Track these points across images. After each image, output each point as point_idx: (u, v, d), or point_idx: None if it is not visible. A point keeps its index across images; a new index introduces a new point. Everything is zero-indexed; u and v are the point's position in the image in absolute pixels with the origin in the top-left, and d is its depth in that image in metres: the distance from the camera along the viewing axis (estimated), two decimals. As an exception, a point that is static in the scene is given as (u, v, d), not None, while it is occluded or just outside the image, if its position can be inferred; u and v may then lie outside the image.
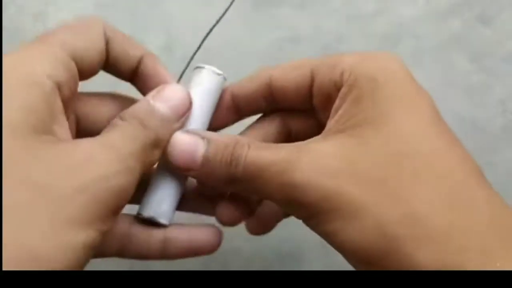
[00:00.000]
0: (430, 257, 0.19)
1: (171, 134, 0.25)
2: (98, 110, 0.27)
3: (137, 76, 0.27)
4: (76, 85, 0.24)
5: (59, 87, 0.22)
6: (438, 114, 0.23)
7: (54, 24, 0.41)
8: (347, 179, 0.21)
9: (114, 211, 0.22)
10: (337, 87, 0.24)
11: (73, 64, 0.24)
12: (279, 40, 0.42)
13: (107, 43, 0.25)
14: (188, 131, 0.25)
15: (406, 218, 0.20)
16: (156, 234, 0.26)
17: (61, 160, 0.20)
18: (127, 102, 0.27)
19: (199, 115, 0.27)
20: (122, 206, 0.22)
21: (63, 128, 0.23)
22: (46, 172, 0.20)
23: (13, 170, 0.19)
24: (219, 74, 0.27)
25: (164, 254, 0.26)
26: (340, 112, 0.24)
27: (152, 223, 0.26)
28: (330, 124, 0.24)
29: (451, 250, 0.19)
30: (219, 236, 0.27)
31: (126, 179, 0.22)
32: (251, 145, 0.23)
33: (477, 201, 0.20)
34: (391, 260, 0.20)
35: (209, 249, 0.27)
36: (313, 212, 0.22)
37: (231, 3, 0.27)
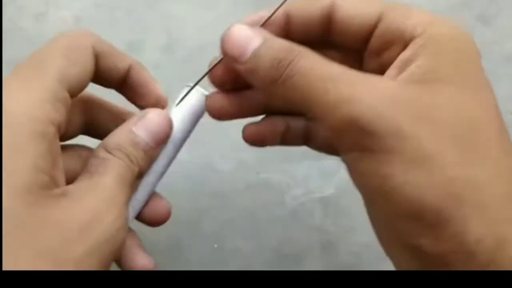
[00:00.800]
0: (482, 225, 0.19)
1: (151, 162, 0.26)
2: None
3: (125, 85, 0.27)
4: (67, 120, 0.24)
5: (58, 128, 0.22)
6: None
7: (54, 24, 0.41)
8: (422, 124, 0.20)
9: (115, 259, 0.23)
10: (405, 38, 0.23)
11: (69, 98, 0.23)
12: (279, 40, 0.42)
13: (96, 59, 0.25)
14: (248, 24, 0.25)
15: (471, 182, 0.20)
16: None
17: (70, 221, 0.21)
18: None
19: (178, 136, 0.27)
20: (118, 257, 0.24)
21: (60, 171, 0.23)
22: (57, 234, 0.20)
23: (22, 236, 0.19)
24: (205, 95, 0.27)
25: None
26: (417, 63, 0.22)
27: None
28: (396, 73, 0.23)
29: (504, 220, 0.20)
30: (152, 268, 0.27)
31: (124, 233, 0.23)
32: (305, 54, 0.23)
33: None
34: (445, 221, 0.19)
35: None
36: (369, 145, 0.21)
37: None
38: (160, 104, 0.28)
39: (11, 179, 0.20)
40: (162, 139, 0.26)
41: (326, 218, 0.39)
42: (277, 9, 0.25)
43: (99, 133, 0.28)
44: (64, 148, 0.27)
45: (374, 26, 0.24)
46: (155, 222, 0.28)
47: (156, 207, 0.28)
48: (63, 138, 0.27)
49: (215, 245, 0.38)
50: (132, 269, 0.27)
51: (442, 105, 0.21)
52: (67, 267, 0.20)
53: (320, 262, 0.38)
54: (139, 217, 0.28)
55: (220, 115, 0.27)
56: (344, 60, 0.25)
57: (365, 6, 0.25)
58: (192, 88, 0.27)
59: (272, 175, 0.40)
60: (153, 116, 0.25)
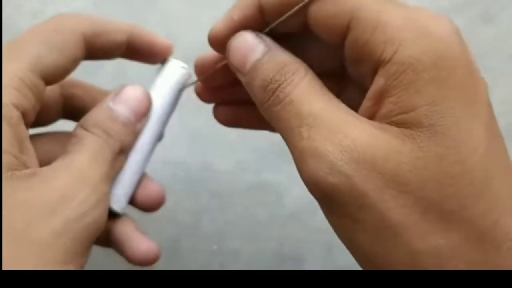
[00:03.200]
0: None
1: (134, 137, 0.25)
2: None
3: (128, 51, 0.27)
4: (40, 104, 0.24)
5: (24, 114, 0.22)
6: (492, 111, 0.20)
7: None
8: (389, 191, 0.18)
9: (92, 243, 0.22)
10: (374, 59, 0.19)
11: (42, 85, 0.23)
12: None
13: (90, 40, 0.25)
14: (254, 32, 0.22)
15: (435, 255, 0.18)
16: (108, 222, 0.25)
17: (37, 200, 0.20)
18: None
19: (159, 111, 0.27)
20: (98, 235, 0.22)
21: (30, 156, 0.22)
22: (23, 215, 0.20)
23: None
24: (183, 68, 0.27)
25: (106, 241, 0.27)
26: (391, 98, 0.19)
27: None
28: (372, 106, 0.20)
29: None
30: (155, 256, 0.27)
31: (100, 210, 0.22)
32: (296, 79, 0.21)
33: None
34: None
35: (138, 262, 0.27)
36: (332, 209, 0.20)
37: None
38: (168, 54, 0.28)
39: None
40: (141, 113, 0.25)
41: (326, 219, 0.39)
42: (288, 15, 0.22)
43: (80, 116, 0.27)
44: (42, 135, 0.28)
45: (345, 34, 0.21)
46: (147, 207, 0.28)
47: (148, 191, 0.27)
48: (41, 123, 0.27)
49: (215, 246, 0.38)
50: (135, 257, 0.26)
51: (416, 165, 0.18)
52: (33, 248, 0.19)
53: (320, 263, 0.38)
54: (132, 201, 0.27)
55: (228, 124, 0.27)
56: (326, 53, 0.23)
57: (338, 5, 0.20)
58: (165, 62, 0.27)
59: (272, 176, 0.40)
60: (129, 90, 0.25)
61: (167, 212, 0.33)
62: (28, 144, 0.22)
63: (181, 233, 0.38)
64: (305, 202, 0.39)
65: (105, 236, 0.26)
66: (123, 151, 0.25)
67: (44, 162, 0.23)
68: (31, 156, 0.22)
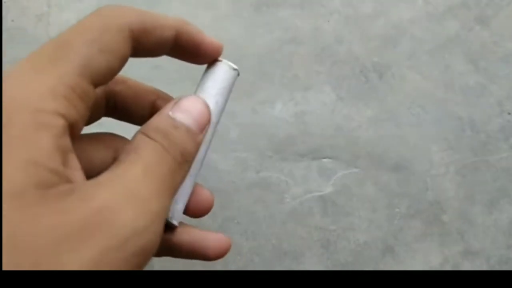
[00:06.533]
0: None
1: (197, 148, 0.22)
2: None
3: (175, 49, 0.24)
4: (90, 112, 0.21)
5: (73, 125, 0.19)
6: None
7: (56, 25, 0.42)
8: None
9: (142, 266, 0.19)
10: None
11: (92, 91, 0.20)
12: (279, 41, 0.42)
13: (136, 37, 0.22)
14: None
15: None
16: (165, 235, 0.23)
17: (68, 226, 0.17)
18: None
19: (213, 119, 0.25)
20: (147, 262, 0.19)
21: (75, 169, 0.19)
22: (42, 246, 0.16)
23: (11, 239, 0.16)
24: (235, 70, 0.25)
25: (169, 252, 0.25)
26: None
27: None
28: None
29: None
30: (228, 244, 0.26)
31: (149, 235, 0.18)
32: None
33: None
34: None
35: (215, 256, 0.25)
36: None
37: None
38: (217, 55, 0.25)
39: None
40: (203, 124, 0.23)
41: (325, 217, 0.39)
42: None
43: (122, 113, 0.26)
44: (85, 136, 0.24)
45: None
46: (198, 213, 0.26)
47: (200, 197, 0.26)
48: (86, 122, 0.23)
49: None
50: (213, 253, 0.25)
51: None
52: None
53: (319, 260, 0.39)
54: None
55: None
56: None
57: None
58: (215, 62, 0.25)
59: (272, 174, 0.41)
60: (189, 101, 0.23)
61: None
62: (72, 158, 0.19)
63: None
64: (304, 200, 0.40)
65: (160, 249, 0.23)
66: (186, 161, 0.22)
67: (89, 169, 0.21)
68: (74, 170, 0.19)
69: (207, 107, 0.24)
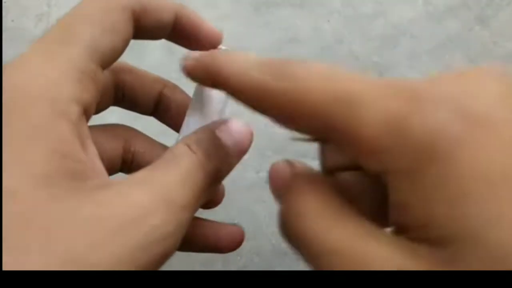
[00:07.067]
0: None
1: (229, 172, 0.22)
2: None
3: (173, 33, 0.24)
4: (100, 95, 0.21)
5: (86, 109, 0.19)
6: None
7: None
8: None
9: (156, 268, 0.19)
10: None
11: (100, 73, 0.20)
12: (279, 41, 0.42)
13: (136, 18, 0.22)
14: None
15: None
16: None
17: (108, 218, 0.17)
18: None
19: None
20: (163, 264, 0.19)
21: (94, 156, 0.19)
22: (88, 235, 0.16)
23: (33, 235, 0.16)
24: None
25: (183, 246, 0.24)
26: (414, 210, 0.16)
27: None
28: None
29: None
30: (241, 236, 0.26)
31: (174, 240, 0.19)
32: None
33: None
34: None
35: (228, 248, 0.26)
36: None
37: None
38: (217, 43, 0.25)
39: (24, 167, 0.16)
40: (243, 151, 0.23)
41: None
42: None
43: (130, 103, 0.26)
44: (97, 127, 0.24)
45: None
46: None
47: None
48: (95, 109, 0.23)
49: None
50: (226, 245, 0.25)
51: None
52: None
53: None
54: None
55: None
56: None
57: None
58: None
59: (272, 174, 0.41)
60: (235, 122, 0.23)
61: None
62: (89, 143, 0.19)
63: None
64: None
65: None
66: (218, 181, 0.22)
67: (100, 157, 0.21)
68: (94, 157, 0.19)
69: (251, 135, 0.23)
